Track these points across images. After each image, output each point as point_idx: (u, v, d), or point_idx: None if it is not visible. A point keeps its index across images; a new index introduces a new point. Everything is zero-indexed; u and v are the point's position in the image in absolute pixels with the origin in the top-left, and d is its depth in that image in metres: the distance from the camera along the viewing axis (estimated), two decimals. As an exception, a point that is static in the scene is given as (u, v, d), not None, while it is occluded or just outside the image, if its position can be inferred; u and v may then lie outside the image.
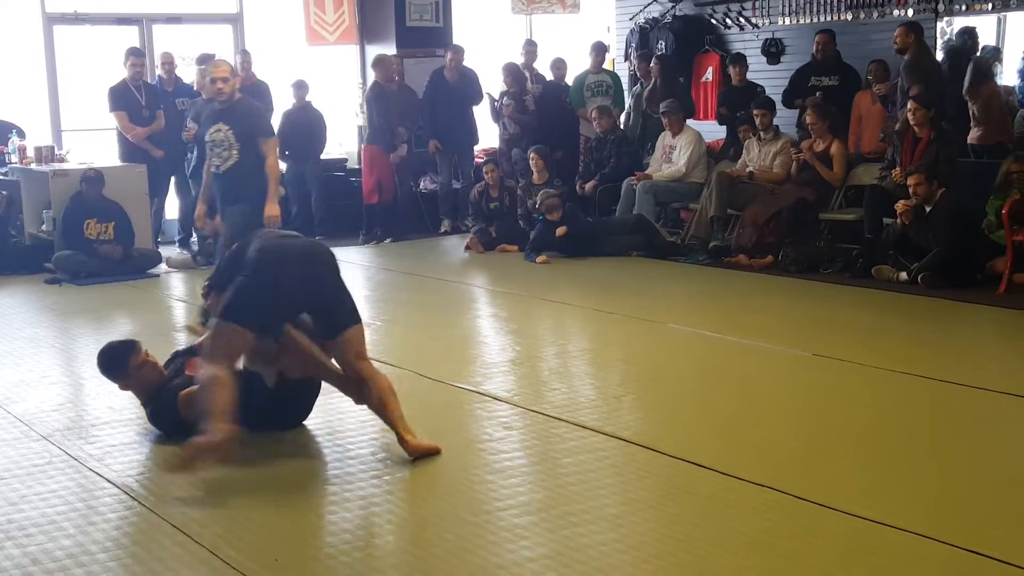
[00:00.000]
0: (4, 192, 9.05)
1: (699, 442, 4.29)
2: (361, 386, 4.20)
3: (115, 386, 4.55)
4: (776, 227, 8.33)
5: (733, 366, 5.61)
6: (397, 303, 7.56)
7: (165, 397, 4.37)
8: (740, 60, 9.77)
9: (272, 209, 6.38)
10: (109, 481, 3.98)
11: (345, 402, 4.94)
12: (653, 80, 9.99)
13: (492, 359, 5.93)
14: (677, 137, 9.31)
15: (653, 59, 10.15)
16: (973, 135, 8.23)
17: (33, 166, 9.08)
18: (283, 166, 10.69)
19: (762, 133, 8.78)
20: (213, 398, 3.80)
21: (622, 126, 10.33)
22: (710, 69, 10.58)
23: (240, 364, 4.18)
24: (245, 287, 3.93)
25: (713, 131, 10.19)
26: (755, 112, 8.79)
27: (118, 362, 4.43)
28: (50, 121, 10.32)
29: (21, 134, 9.51)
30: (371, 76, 10.69)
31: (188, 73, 10.07)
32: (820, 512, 3.58)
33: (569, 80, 10.67)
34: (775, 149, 8.71)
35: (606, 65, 10.87)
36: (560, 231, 8.83)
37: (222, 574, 3.23)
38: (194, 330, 5.14)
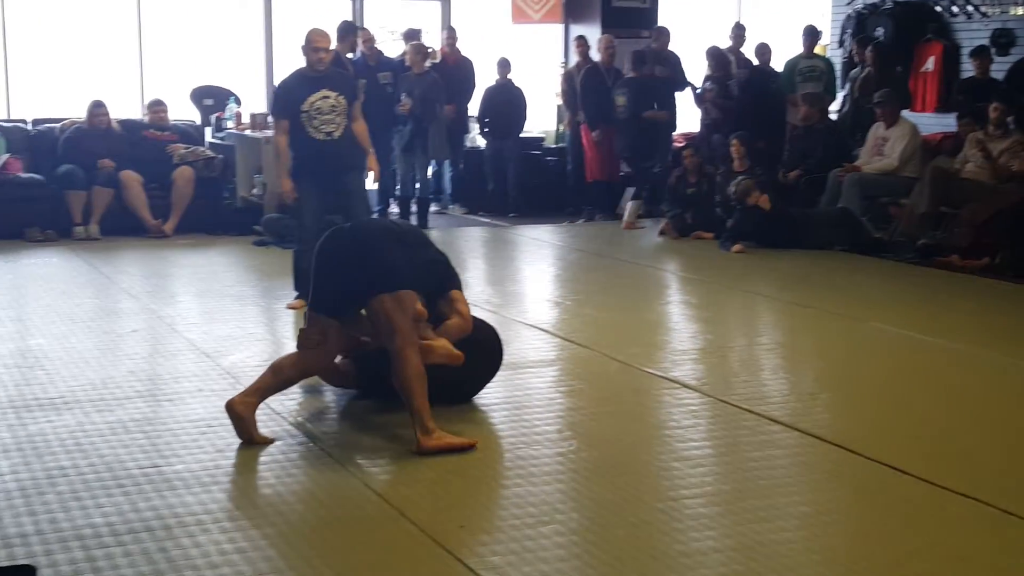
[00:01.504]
0: (221, 156, 9.55)
1: (898, 446, 4.08)
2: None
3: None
4: (995, 227, 7.83)
5: (939, 370, 5.31)
6: (588, 284, 7.53)
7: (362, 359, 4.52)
8: (983, 52, 9.29)
9: (377, 170, 6.80)
10: (307, 435, 4.14)
11: (533, 378, 4.98)
12: (867, 68, 9.55)
13: (682, 346, 5.83)
14: (891, 129, 8.87)
15: (869, 46, 9.70)
16: None
17: (248, 132, 9.53)
18: (483, 142, 10.90)
19: (992, 128, 8.25)
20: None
21: (835, 114, 9.92)
22: (931, 59, 10.01)
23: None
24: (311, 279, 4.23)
25: (930, 124, 9.66)
26: (992, 106, 8.27)
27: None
28: (266, 89, 10.81)
29: (238, 101, 9.99)
30: (573, 56, 10.72)
31: (394, 48, 10.37)
32: (1033, 531, 3.34)
33: (775, 65, 10.34)
34: (1003, 146, 8.17)
35: (817, 50, 10.48)
36: (762, 199, 8.53)
37: (409, 534, 3.30)
38: None
